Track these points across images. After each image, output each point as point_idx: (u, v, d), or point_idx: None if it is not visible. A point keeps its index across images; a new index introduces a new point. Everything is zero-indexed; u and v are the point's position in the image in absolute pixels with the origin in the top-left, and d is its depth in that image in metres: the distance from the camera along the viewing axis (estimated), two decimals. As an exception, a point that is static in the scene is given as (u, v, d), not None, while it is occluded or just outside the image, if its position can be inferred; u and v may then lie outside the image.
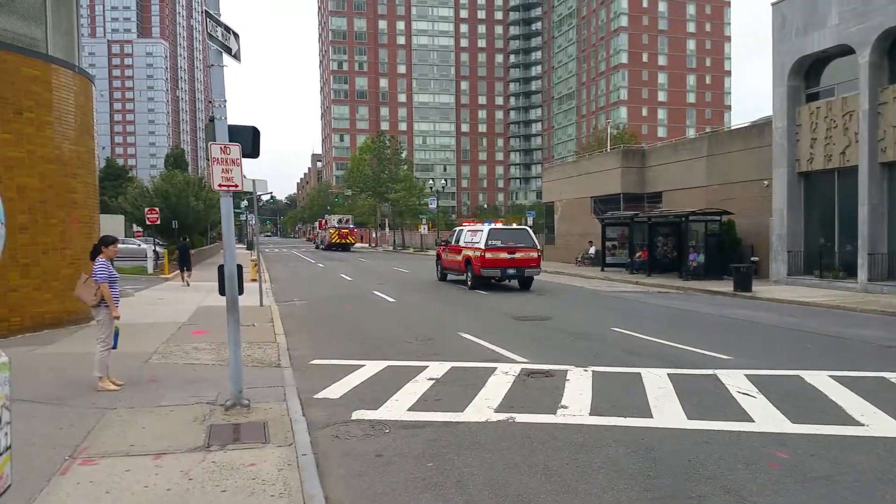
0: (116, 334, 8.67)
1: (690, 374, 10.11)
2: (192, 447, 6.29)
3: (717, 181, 32.06)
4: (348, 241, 69.72)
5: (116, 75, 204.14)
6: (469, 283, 24.50)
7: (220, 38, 7.14)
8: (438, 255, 29.32)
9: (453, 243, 26.98)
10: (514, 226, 30.59)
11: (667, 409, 8.07)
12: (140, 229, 44.43)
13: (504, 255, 23.51)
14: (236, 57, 7.40)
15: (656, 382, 9.46)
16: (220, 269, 7.71)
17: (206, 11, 7.02)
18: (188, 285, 24.71)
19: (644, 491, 5.57)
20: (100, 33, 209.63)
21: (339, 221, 72.08)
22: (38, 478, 5.42)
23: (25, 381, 8.76)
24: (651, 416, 7.77)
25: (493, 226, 25.10)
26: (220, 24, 7.16)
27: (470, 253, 24.46)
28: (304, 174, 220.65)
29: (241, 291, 7.75)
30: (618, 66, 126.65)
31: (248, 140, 7.59)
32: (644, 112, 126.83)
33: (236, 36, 7.41)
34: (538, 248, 24.59)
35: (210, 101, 7.36)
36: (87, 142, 15.05)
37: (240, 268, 7.82)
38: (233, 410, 7.50)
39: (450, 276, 28.51)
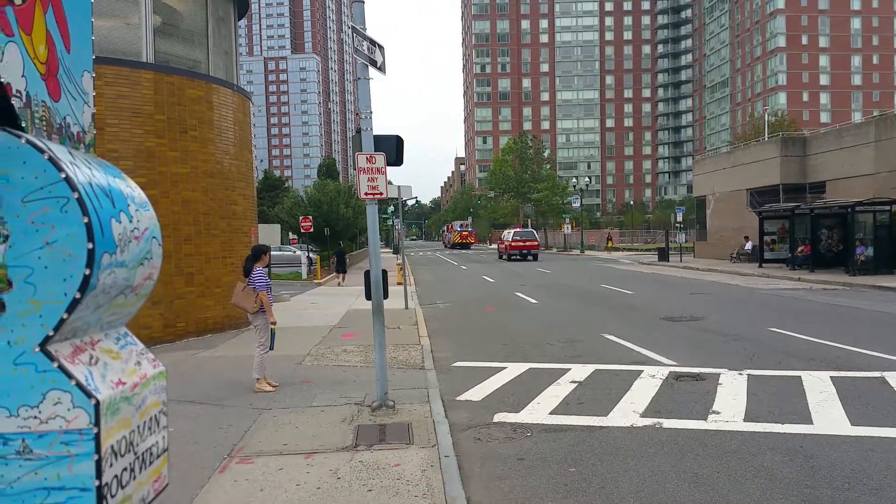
0: (273, 337, 9.25)
1: (855, 377, 9.37)
2: (340, 447, 6.61)
3: (887, 168, 29.47)
4: (468, 241, 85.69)
5: (272, 90, 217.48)
6: (505, 257, 49.97)
7: (365, 52, 7.46)
8: (499, 245, 55.93)
9: (503, 239, 53.08)
10: (527, 229, 56.91)
11: (828, 415, 7.56)
12: (295, 237, 47.00)
13: (519, 243, 48.78)
14: (381, 69, 7.70)
15: (817, 386, 8.85)
16: (367, 274, 8.03)
17: (353, 27, 7.35)
18: (340, 286, 27.54)
19: (802, 502, 5.25)
20: (256, 51, 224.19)
21: (461, 226, 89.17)
22: (199, 475, 5.90)
23: (191, 384, 9.55)
24: (811, 423, 7.30)
25: (515, 229, 51.15)
26: (365, 38, 7.47)
27: (508, 243, 49.94)
28: (448, 177, 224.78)
29: (385, 296, 8.04)
30: (775, 50, 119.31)
31: (393, 149, 7.86)
32: (805, 97, 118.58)
33: (381, 49, 7.71)
34: (537, 240, 50.53)
35: (357, 114, 7.67)
36: (245, 155, 16.17)
37: (385, 273, 8.12)
38: (379, 411, 7.80)
39: (503, 256, 52.02)
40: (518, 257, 48.73)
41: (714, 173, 44.58)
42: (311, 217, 36.80)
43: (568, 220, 67.57)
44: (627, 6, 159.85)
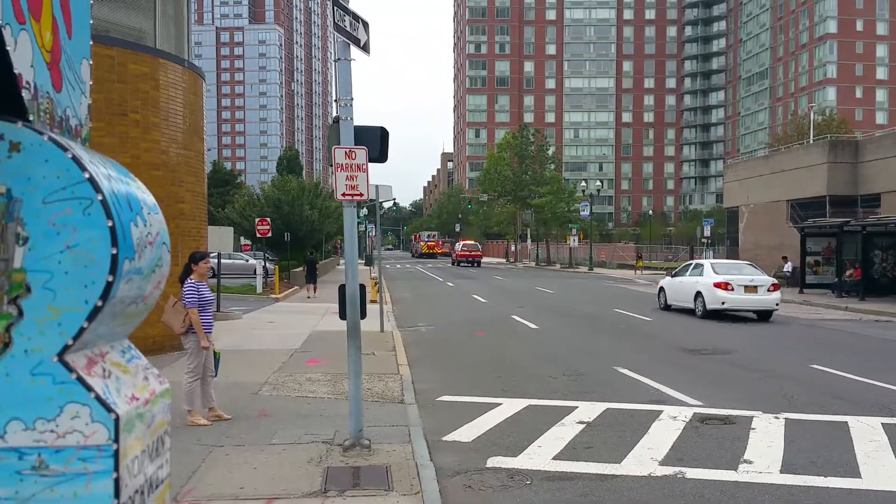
0: (217, 361, 9.32)
1: (914, 426, 9.59)
2: (307, 492, 6.70)
3: (956, 179, 30.05)
4: (434, 251, 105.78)
5: (225, 67, 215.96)
6: (456, 263, 74.82)
7: (347, 29, 7.61)
8: (452, 254, 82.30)
9: (454, 249, 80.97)
10: (471, 242, 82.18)
11: (879, 468, 7.75)
12: (248, 242, 46.92)
13: (466, 253, 74.27)
14: (365, 49, 7.85)
15: (867, 434, 9.05)
16: (341, 289, 8.15)
17: (335, -1, 7.50)
18: (310, 299, 29.28)
19: (847, 570, 5.40)
20: (207, 19, 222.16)
21: (428, 237, 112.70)
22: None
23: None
24: (859, 476, 7.48)
25: (463, 242, 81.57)
26: (347, 11, 7.63)
27: (456, 252, 77.17)
28: (433, 177, 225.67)
29: (363, 315, 8.16)
30: (824, 36, 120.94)
31: (376, 142, 8.01)
32: (858, 93, 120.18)
33: (365, 25, 7.86)
34: (480, 251, 77.73)
35: (336, 100, 7.81)
36: (196, 145, 16.27)
37: (363, 288, 8.24)
38: (352, 451, 7.89)
39: (454, 263, 76.14)
40: (466, 264, 73.31)
41: (749, 181, 45.12)
42: (268, 219, 36.80)
43: (575, 232, 67.97)
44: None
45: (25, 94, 2.07)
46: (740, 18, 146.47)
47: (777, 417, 9.95)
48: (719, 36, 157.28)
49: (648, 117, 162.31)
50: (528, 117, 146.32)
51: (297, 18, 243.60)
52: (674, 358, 15.60)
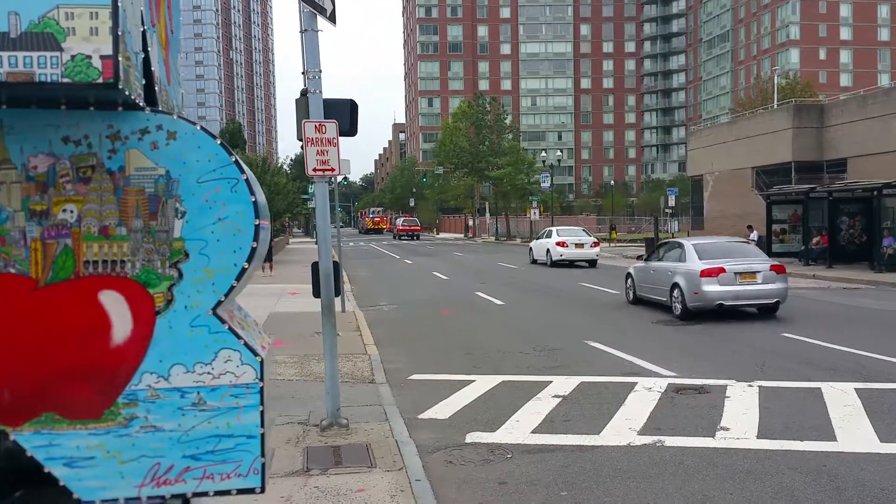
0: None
1: (884, 389, 10.13)
2: (289, 471, 6.96)
3: (923, 143, 30.92)
4: (380, 226, 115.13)
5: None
6: (398, 237, 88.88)
7: (313, -3, 7.76)
8: (393, 229, 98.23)
9: (395, 224, 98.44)
10: (411, 217, 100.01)
11: (854, 431, 8.21)
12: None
13: (406, 227, 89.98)
14: (331, 19, 8.03)
15: (841, 399, 9.54)
16: (315, 266, 8.36)
17: (299, -35, 7.65)
18: (268, 276, 29.56)
19: (827, 526, 5.83)
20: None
21: (373, 213, 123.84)
22: None
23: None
24: (835, 440, 7.94)
25: (404, 217, 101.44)
26: (312, -21, 7.78)
27: (397, 226, 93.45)
28: (384, 149, 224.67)
29: (338, 293, 8.39)
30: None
31: (346, 116, 8.22)
32: (822, 55, 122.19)
33: (333, -6, 8.03)
34: (419, 225, 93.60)
35: (304, 73, 7.98)
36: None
37: (337, 265, 8.46)
38: (330, 431, 8.16)
39: (395, 237, 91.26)
40: (406, 237, 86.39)
41: (712, 148, 45.85)
42: (215, 197, 36.70)
43: (535, 205, 68.43)
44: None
45: (156, 88, 2.45)
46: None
47: (751, 385, 10.41)
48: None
49: (608, 83, 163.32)
50: (484, 85, 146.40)
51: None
52: (644, 330, 16.08)
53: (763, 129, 41.00)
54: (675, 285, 17.82)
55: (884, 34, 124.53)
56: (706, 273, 16.91)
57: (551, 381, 10.94)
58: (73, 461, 2.33)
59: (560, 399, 9.93)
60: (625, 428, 8.51)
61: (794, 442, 7.83)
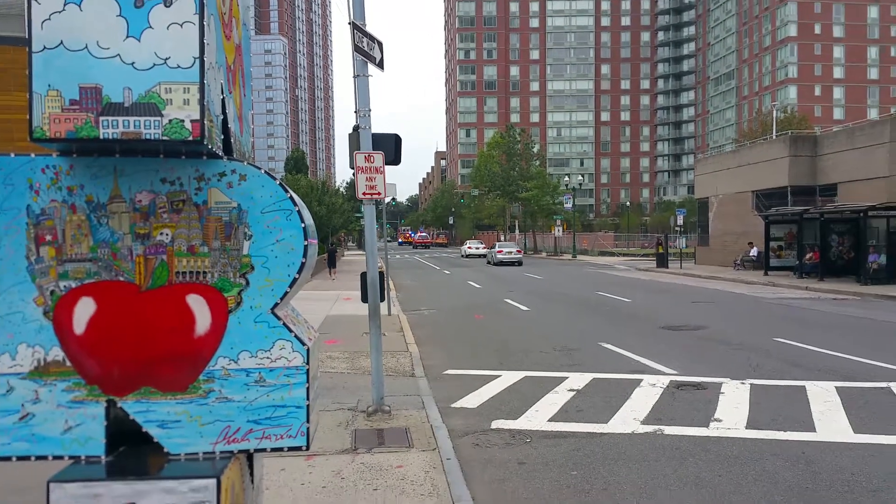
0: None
1: (862, 388, 10.12)
2: (339, 450, 7.19)
3: (904, 170, 30.52)
4: (425, 243, 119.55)
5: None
6: (414, 247, 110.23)
7: (365, 49, 8.05)
8: (409, 240, 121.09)
9: (411, 237, 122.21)
10: (426, 233, 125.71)
11: (832, 423, 8.26)
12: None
13: (420, 241, 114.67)
14: (380, 66, 8.30)
15: (822, 396, 9.57)
16: (363, 276, 8.62)
17: (353, 23, 7.93)
18: (332, 280, 33.70)
19: (802, 502, 5.91)
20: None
21: (414, 233, 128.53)
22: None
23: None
24: (814, 430, 8.00)
25: (420, 232, 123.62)
26: (365, 34, 8.07)
27: (414, 238, 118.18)
28: (427, 174, 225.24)
29: (382, 298, 8.63)
30: (785, 39, 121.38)
31: (391, 148, 8.48)
32: (817, 91, 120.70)
33: (380, 45, 8.30)
34: (430, 238, 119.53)
35: (356, 111, 8.26)
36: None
37: (382, 275, 8.70)
38: (374, 416, 8.38)
39: (413, 247, 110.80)
40: (422, 248, 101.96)
41: (717, 173, 45.51)
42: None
43: (559, 222, 68.39)
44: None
45: (232, 140, 2.88)
46: (708, 24, 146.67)
47: (743, 383, 10.46)
48: (689, 40, 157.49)
49: (625, 116, 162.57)
50: (515, 118, 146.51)
51: (299, 29, 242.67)
52: (652, 334, 16.08)
53: (763, 157, 40.64)
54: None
55: (873, 73, 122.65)
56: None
57: (567, 377, 11.06)
58: (165, 423, 2.67)
59: (574, 392, 10.06)
60: (630, 418, 8.63)
61: (779, 432, 7.90)
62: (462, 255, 64.60)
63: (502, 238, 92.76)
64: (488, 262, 52.61)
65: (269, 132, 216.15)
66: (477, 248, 65.49)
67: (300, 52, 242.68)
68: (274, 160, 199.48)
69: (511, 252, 51.67)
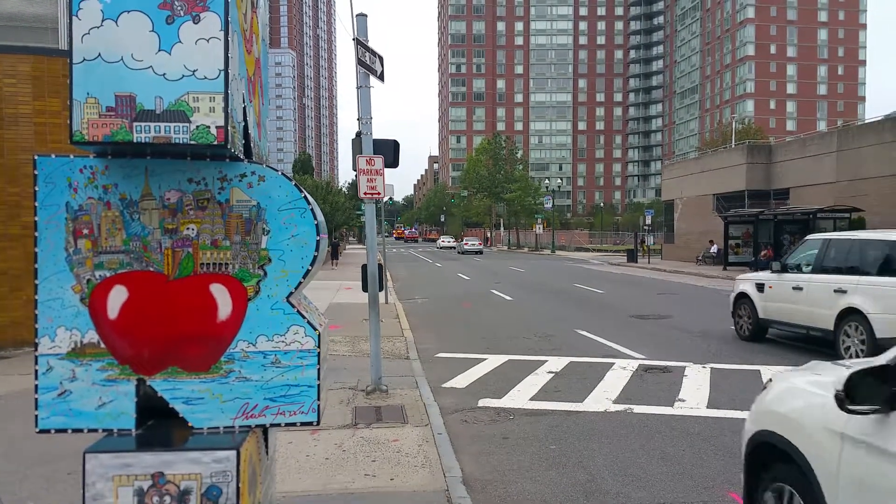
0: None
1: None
2: (341, 425, 7.20)
3: (847, 177, 30.75)
4: (413, 237, 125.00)
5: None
6: (403, 241, 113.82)
7: (367, 62, 8.03)
8: (401, 235, 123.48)
9: (404, 233, 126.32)
10: (412, 229, 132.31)
11: (783, 405, 8.28)
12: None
13: (407, 236, 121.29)
14: (381, 78, 8.28)
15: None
16: (364, 268, 8.61)
17: (357, 39, 7.92)
18: (334, 268, 34.48)
19: (756, 476, 5.95)
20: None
21: (405, 228, 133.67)
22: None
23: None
24: (767, 411, 8.02)
25: (406, 230, 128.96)
26: (368, 49, 8.05)
27: (405, 233, 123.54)
28: (421, 176, 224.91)
29: (381, 288, 8.62)
30: (744, 58, 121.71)
31: (390, 152, 8.47)
32: (772, 105, 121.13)
33: (381, 59, 8.29)
34: (415, 234, 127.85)
35: (359, 119, 8.25)
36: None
37: (381, 267, 8.70)
38: (373, 395, 8.39)
39: (399, 239, 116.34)
40: (413, 242, 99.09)
41: (682, 178, 45.64)
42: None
43: (540, 221, 68.47)
44: (601, 12, 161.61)
45: (252, 145, 2.91)
46: (675, 43, 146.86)
47: (704, 367, 10.51)
48: (658, 58, 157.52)
49: (600, 126, 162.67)
50: (500, 126, 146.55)
51: (307, 44, 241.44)
52: (623, 322, 16.13)
53: (723, 164, 40.79)
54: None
55: (822, 89, 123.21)
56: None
57: (547, 361, 11.10)
58: (189, 400, 2.68)
59: (553, 374, 10.10)
60: (602, 398, 8.67)
61: (736, 411, 7.92)
62: (437, 248, 75.75)
63: (488, 234, 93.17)
64: (458, 252, 63.74)
65: (278, 136, 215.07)
66: (448, 242, 77.24)
67: (307, 64, 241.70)
68: (283, 162, 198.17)
69: (474, 244, 62.74)
